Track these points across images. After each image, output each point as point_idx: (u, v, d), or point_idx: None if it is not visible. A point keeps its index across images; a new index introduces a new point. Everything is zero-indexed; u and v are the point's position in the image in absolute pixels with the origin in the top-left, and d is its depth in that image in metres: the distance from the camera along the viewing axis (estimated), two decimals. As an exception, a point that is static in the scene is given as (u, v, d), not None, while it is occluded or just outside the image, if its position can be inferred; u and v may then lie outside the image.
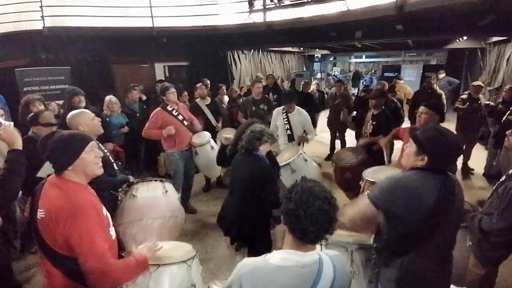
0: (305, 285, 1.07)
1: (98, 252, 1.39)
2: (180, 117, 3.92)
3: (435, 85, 6.06)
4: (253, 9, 5.86)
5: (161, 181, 2.68)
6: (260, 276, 1.06)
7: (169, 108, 3.85)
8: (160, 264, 1.65)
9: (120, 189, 2.54)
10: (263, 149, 2.43)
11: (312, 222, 1.06)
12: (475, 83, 5.32)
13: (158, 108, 3.86)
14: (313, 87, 7.66)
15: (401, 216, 1.41)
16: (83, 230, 1.36)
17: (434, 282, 1.52)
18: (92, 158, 1.51)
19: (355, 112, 5.79)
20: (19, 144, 1.76)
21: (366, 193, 2.71)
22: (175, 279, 1.68)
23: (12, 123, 1.92)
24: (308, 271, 1.09)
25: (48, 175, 1.54)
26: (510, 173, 1.90)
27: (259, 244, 2.44)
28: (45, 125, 2.77)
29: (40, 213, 1.41)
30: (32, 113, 2.95)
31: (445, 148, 1.45)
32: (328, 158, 6.17)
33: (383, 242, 1.58)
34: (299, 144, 4.18)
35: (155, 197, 2.56)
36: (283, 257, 1.11)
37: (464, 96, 5.21)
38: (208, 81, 6.20)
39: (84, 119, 2.51)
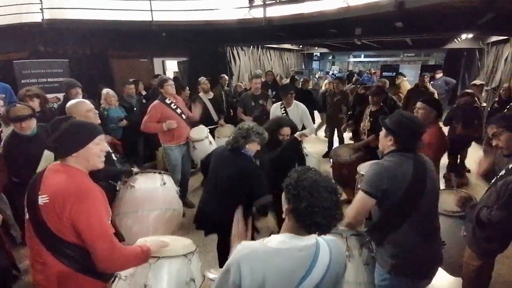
0: (301, 267, 1.08)
1: (108, 233, 1.40)
2: (179, 111, 3.88)
3: (428, 84, 6.32)
4: (253, 4, 5.85)
5: (159, 173, 2.67)
6: (258, 259, 1.07)
7: (167, 101, 3.81)
8: (160, 256, 1.63)
9: (120, 180, 2.53)
10: (250, 148, 2.39)
11: (325, 215, 1.06)
12: (477, 82, 5.32)
13: (156, 101, 3.81)
14: (325, 86, 7.63)
15: (388, 194, 1.61)
16: (92, 211, 1.37)
17: (426, 254, 1.68)
18: (97, 151, 1.52)
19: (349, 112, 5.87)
20: None
21: (359, 186, 2.80)
22: (174, 272, 1.67)
23: None
24: (305, 254, 1.09)
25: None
26: (510, 167, 1.89)
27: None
28: (12, 120, 2.62)
29: (43, 199, 1.38)
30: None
31: (407, 128, 1.67)
32: (326, 155, 6.18)
33: (373, 223, 1.77)
34: None
35: (152, 188, 2.54)
36: (282, 240, 1.12)
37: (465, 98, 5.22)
38: (226, 77, 6.35)
39: (78, 110, 2.49)
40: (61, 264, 1.40)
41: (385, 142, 1.76)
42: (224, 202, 2.37)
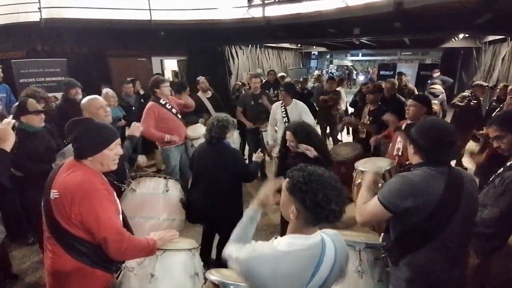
0: (310, 266, 1.10)
1: (116, 226, 1.47)
2: (174, 110, 3.82)
3: (407, 82, 6.70)
4: (252, 4, 5.85)
5: (165, 178, 2.55)
6: (268, 263, 1.09)
7: (162, 101, 3.73)
8: (166, 249, 1.73)
9: (125, 181, 2.49)
10: (229, 137, 2.63)
11: (337, 201, 1.10)
12: (479, 82, 5.32)
13: (151, 102, 3.71)
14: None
15: (410, 212, 1.43)
16: (99, 209, 1.42)
17: (448, 279, 1.50)
18: (112, 155, 1.56)
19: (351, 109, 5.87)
20: (8, 145, 1.74)
21: (357, 182, 2.80)
22: (180, 265, 1.76)
23: (13, 121, 1.89)
24: (313, 252, 1.12)
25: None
26: (508, 165, 1.92)
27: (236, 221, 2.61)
28: (35, 113, 2.65)
29: (53, 194, 1.44)
30: (17, 104, 2.81)
31: (428, 136, 1.47)
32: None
33: (392, 240, 1.60)
34: None
35: (153, 194, 2.45)
36: (289, 242, 1.13)
37: (466, 94, 5.23)
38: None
39: (91, 106, 2.53)
40: (68, 256, 1.47)
41: (409, 151, 1.59)
42: (219, 191, 2.56)
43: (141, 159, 2.88)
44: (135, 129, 2.66)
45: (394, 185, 1.49)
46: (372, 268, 1.74)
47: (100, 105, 2.56)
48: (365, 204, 1.57)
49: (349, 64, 20.69)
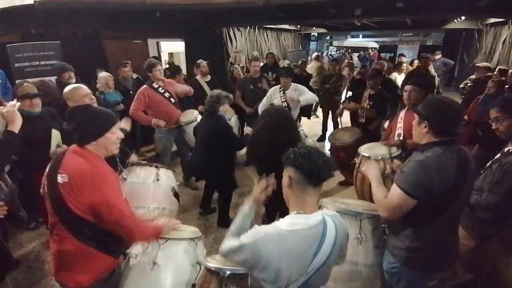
0: (313, 245, 1.15)
1: (127, 213, 1.51)
2: (167, 95, 3.81)
3: (430, 67, 6.04)
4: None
5: (156, 167, 2.53)
6: (273, 242, 1.12)
7: (155, 85, 3.75)
8: (169, 238, 1.76)
9: (117, 170, 2.47)
10: (223, 110, 3.08)
11: (323, 160, 1.20)
12: (482, 64, 5.24)
13: (145, 86, 3.76)
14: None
15: (426, 193, 1.45)
16: (109, 194, 1.45)
17: (447, 249, 1.59)
18: (114, 139, 1.57)
19: (350, 93, 5.81)
20: (16, 126, 1.75)
21: (363, 169, 2.80)
22: (182, 254, 1.79)
23: (18, 103, 1.88)
24: (315, 232, 1.16)
25: (57, 146, 1.58)
26: (505, 150, 1.93)
27: (227, 182, 3.23)
28: (22, 98, 2.57)
29: (63, 178, 1.45)
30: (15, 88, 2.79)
31: (441, 110, 1.49)
32: (320, 139, 6.16)
33: None
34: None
35: (143, 184, 2.43)
36: (291, 222, 1.18)
37: (473, 77, 5.15)
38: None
39: (74, 95, 2.46)
40: (74, 239, 1.49)
41: (419, 130, 1.57)
42: (207, 154, 3.07)
43: (134, 157, 2.85)
44: (126, 122, 2.67)
45: (417, 172, 1.47)
46: (371, 236, 1.83)
47: (85, 93, 2.50)
48: (388, 199, 1.55)
49: (376, 46, 18.74)
